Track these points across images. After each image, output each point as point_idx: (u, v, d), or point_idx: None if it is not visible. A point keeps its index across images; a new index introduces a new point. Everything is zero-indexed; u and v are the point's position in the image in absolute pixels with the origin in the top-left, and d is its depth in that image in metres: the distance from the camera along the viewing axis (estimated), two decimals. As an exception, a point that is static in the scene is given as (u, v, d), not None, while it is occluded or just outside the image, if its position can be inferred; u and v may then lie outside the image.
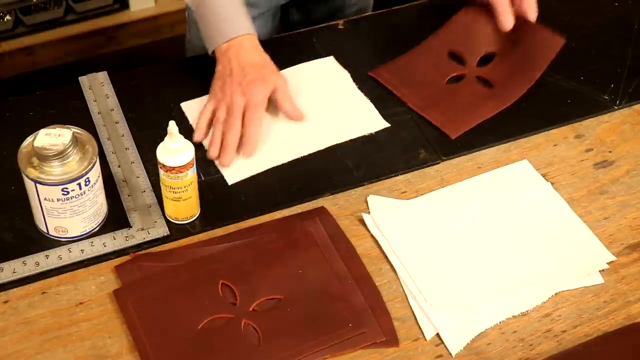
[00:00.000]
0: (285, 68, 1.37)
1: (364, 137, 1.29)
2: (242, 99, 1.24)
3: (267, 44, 1.45)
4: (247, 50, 1.28)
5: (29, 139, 1.09)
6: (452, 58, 1.39)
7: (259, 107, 1.24)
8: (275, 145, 1.26)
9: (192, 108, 1.31)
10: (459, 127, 1.29)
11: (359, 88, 1.35)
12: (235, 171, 1.23)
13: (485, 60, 1.39)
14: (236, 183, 1.22)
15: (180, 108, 1.31)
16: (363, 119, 1.31)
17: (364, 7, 1.68)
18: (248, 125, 1.23)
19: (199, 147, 1.19)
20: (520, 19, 1.35)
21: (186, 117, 1.30)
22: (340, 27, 1.47)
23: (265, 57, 1.29)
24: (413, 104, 1.32)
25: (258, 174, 1.23)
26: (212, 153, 1.23)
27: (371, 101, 1.33)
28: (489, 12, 1.37)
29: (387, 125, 1.30)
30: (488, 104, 1.32)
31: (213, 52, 1.29)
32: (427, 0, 1.55)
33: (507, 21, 1.34)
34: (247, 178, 1.22)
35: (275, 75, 1.28)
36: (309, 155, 1.26)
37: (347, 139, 1.28)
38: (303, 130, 1.29)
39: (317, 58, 1.40)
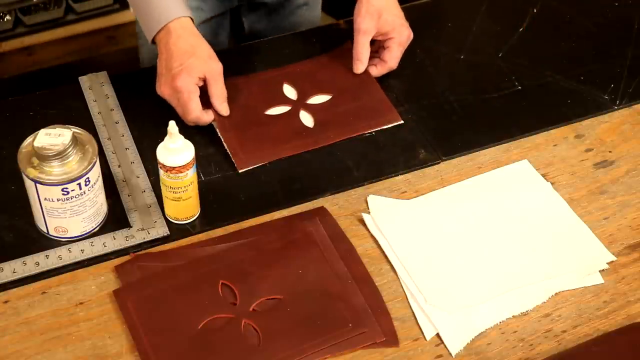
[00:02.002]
0: (284, 66, 1.37)
1: (364, 137, 1.29)
2: (177, 97, 1.24)
3: (268, 45, 1.45)
4: (177, 38, 1.23)
5: (29, 139, 1.09)
6: (286, 93, 1.34)
7: (187, 103, 1.23)
8: None
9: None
10: (248, 161, 1.24)
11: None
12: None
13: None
14: (236, 183, 1.22)
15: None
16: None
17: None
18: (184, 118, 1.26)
19: (199, 147, 1.19)
20: (371, 86, 1.35)
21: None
22: (341, 26, 1.47)
23: (195, 42, 1.25)
24: (220, 123, 1.27)
25: (259, 174, 1.23)
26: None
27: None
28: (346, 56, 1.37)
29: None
30: (294, 141, 1.27)
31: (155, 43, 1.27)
32: (427, 0, 1.56)
33: (358, 67, 1.34)
34: (248, 177, 1.22)
35: (203, 62, 1.24)
36: (309, 155, 1.26)
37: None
38: None
39: (317, 57, 1.40)
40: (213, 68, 1.25)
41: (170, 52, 1.23)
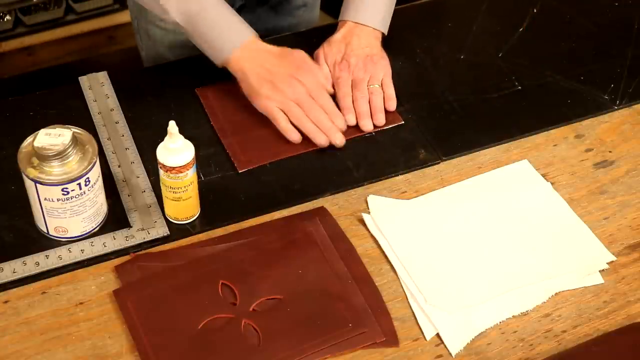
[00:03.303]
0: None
1: (364, 137, 1.29)
2: (301, 86, 1.26)
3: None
4: (263, 47, 1.29)
5: (29, 139, 1.09)
6: None
7: (322, 85, 1.29)
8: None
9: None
10: (249, 162, 1.24)
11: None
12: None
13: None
14: (236, 183, 1.22)
15: (180, 107, 1.31)
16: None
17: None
18: (327, 103, 1.28)
19: (199, 147, 1.19)
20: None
21: (195, 105, 1.31)
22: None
23: (279, 47, 1.31)
24: (219, 125, 1.28)
25: (259, 174, 1.23)
26: (322, 141, 1.25)
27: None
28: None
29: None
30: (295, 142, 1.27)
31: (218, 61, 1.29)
32: (427, 0, 1.56)
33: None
34: (248, 177, 1.22)
35: (300, 51, 1.31)
36: (309, 155, 1.26)
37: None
38: None
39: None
40: (305, 54, 1.32)
41: (271, 58, 1.28)
